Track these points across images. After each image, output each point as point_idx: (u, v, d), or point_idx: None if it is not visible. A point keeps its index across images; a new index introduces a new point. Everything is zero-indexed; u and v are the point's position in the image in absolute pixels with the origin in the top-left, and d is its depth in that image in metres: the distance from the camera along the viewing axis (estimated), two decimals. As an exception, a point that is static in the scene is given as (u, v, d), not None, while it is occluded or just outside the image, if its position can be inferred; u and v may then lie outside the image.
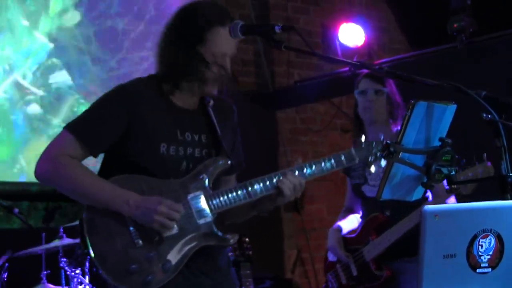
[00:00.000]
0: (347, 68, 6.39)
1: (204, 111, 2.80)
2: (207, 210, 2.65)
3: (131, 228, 2.61)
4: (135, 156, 2.68)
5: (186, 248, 2.63)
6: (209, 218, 2.65)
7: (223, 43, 2.68)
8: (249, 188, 2.69)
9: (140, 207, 2.57)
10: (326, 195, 6.96)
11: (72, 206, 5.44)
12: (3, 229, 5.26)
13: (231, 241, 2.70)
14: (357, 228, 3.84)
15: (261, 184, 2.69)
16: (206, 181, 2.69)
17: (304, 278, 7.05)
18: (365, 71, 3.66)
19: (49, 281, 4.61)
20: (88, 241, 2.61)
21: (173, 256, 2.63)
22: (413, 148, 2.38)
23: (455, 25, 5.63)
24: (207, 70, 2.68)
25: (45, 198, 5.41)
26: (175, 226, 2.61)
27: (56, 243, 4.54)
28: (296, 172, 2.68)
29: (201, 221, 2.65)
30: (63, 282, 4.61)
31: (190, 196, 2.66)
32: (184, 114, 2.75)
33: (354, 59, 5.87)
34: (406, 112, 2.32)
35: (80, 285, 4.57)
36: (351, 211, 3.96)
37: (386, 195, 2.39)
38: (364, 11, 7.39)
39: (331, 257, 3.90)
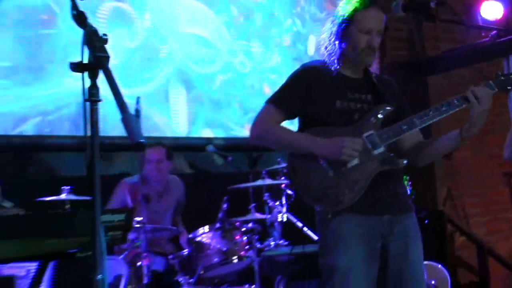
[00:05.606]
0: (487, 39, 6.75)
1: (368, 78, 3.10)
2: (380, 143, 2.94)
3: (323, 163, 2.93)
4: (318, 114, 3.01)
5: (367, 172, 2.92)
6: (382, 148, 2.93)
7: (367, 21, 2.97)
8: (411, 120, 2.95)
9: (329, 146, 2.89)
10: (470, 142, 7.47)
11: (271, 155, 5.86)
12: (222, 173, 5.93)
13: (402, 162, 2.96)
14: None
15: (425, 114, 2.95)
16: (376, 122, 2.97)
17: (453, 210, 7.42)
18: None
19: (256, 211, 5.06)
20: (293, 179, 3.02)
21: (358, 180, 2.91)
22: None
23: None
24: (358, 44, 2.99)
25: (251, 149, 5.95)
26: (357, 158, 2.91)
27: (260, 182, 5.07)
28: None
29: (376, 152, 2.93)
30: (267, 211, 5.09)
31: (365, 135, 2.95)
32: (352, 80, 3.08)
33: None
34: None
35: (279, 213, 5.00)
36: None
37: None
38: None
39: None
